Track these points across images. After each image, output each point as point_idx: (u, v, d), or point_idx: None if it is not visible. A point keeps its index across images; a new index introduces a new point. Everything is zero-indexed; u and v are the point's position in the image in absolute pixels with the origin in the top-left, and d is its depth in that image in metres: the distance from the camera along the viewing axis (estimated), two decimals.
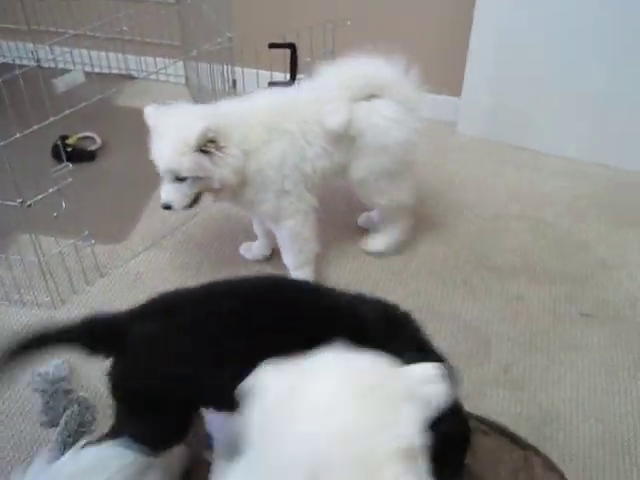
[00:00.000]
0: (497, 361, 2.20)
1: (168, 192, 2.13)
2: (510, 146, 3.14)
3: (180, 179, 2.09)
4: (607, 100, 2.89)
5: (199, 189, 2.14)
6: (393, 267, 2.54)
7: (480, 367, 2.18)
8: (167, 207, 2.15)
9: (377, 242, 2.58)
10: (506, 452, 1.86)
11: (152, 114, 2.11)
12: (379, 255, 2.56)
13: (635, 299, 2.42)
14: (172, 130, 2.06)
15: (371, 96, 2.23)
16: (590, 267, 2.55)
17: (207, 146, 2.03)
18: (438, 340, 2.20)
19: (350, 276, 2.51)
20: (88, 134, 3.15)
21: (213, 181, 2.10)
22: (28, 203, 2.18)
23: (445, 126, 3.23)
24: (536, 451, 1.87)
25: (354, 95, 2.20)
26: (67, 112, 2.24)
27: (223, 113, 2.13)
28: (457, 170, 3.02)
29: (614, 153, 3.01)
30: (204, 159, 2.05)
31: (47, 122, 2.18)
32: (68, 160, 2.30)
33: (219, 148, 2.06)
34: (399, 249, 2.59)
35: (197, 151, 2.03)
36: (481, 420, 1.92)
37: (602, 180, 2.97)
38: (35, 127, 2.16)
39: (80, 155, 2.96)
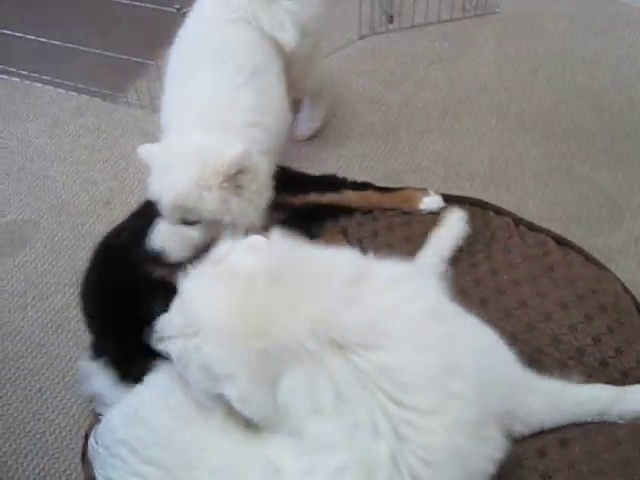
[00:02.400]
0: (629, 232, 2.14)
1: (165, 236, 1.61)
2: None
3: (189, 222, 1.62)
4: None
5: (210, 236, 1.61)
6: (537, 129, 2.47)
7: (609, 235, 2.13)
8: (158, 254, 1.60)
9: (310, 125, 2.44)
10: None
11: (147, 150, 1.68)
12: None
13: None
14: (190, 158, 1.59)
15: None
16: None
17: (238, 179, 1.59)
18: (569, 202, 2.21)
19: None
20: None
21: (236, 227, 1.59)
22: (183, 11, 2.21)
23: None
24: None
25: None
26: None
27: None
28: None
29: None
30: (232, 197, 1.60)
31: None
32: None
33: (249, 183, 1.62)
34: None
35: (225, 185, 1.58)
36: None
37: None
38: None
39: None
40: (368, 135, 2.46)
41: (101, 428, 1.43)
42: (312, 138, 2.43)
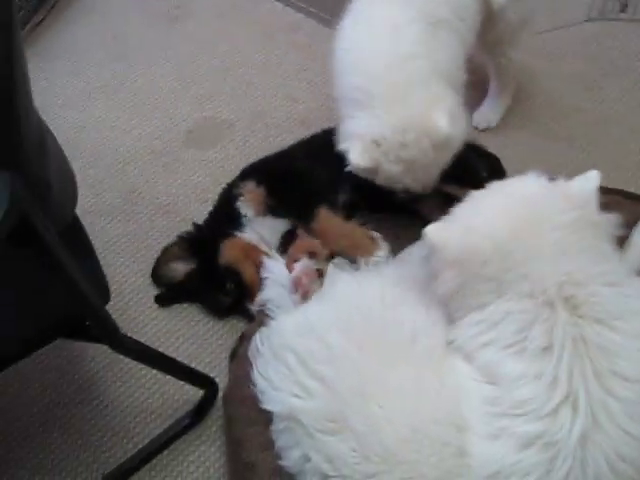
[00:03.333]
0: None
1: None
2: None
3: None
4: None
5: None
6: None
7: None
8: None
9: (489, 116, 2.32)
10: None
11: None
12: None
13: None
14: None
15: None
16: None
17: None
18: None
19: None
20: None
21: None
22: None
23: None
24: None
25: None
26: None
27: None
28: None
29: None
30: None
31: None
32: None
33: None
34: None
35: None
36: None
37: None
38: None
39: None
40: (573, 120, 2.34)
41: (270, 330, 1.47)
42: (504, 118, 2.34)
